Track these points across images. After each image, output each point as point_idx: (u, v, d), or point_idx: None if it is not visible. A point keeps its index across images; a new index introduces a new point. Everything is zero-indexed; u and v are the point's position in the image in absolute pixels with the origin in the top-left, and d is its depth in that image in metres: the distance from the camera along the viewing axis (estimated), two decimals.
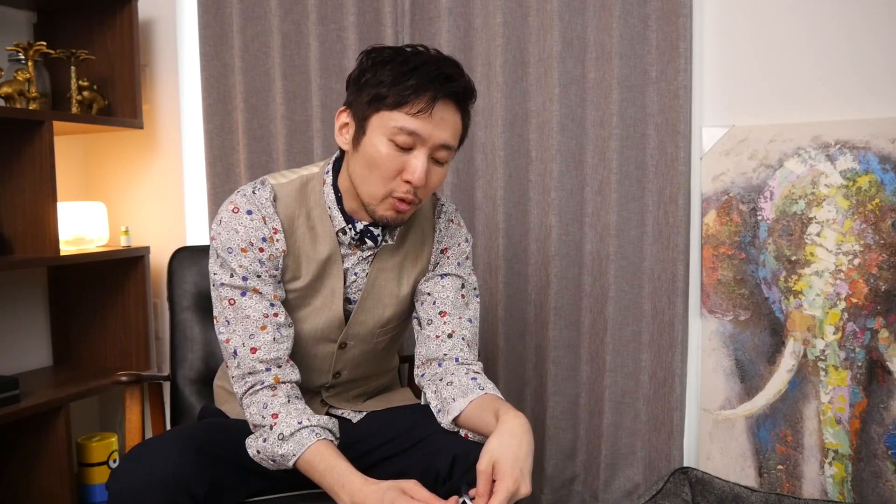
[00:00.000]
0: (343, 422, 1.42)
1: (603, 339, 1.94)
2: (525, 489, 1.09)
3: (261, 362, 1.26)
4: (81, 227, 2.20)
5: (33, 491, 2.03)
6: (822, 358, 1.78)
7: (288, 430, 1.20)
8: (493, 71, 1.95)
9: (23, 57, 2.08)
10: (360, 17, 2.05)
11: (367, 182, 1.24)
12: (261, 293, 1.27)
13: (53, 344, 2.39)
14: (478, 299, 1.43)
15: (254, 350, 1.26)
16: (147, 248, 2.31)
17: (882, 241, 1.71)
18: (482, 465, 1.10)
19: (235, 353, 1.27)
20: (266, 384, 1.25)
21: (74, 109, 2.18)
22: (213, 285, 1.30)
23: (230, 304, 1.27)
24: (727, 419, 1.87)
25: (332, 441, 1.23)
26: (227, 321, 1.27)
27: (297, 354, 1.36)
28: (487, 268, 2.03)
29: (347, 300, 1.36)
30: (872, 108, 1.74)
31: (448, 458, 1.23)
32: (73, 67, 2.19)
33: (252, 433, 1.27)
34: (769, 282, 1.82)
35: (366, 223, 1.31)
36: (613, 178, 1.89)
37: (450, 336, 1.35)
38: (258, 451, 1.23)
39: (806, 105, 1.79)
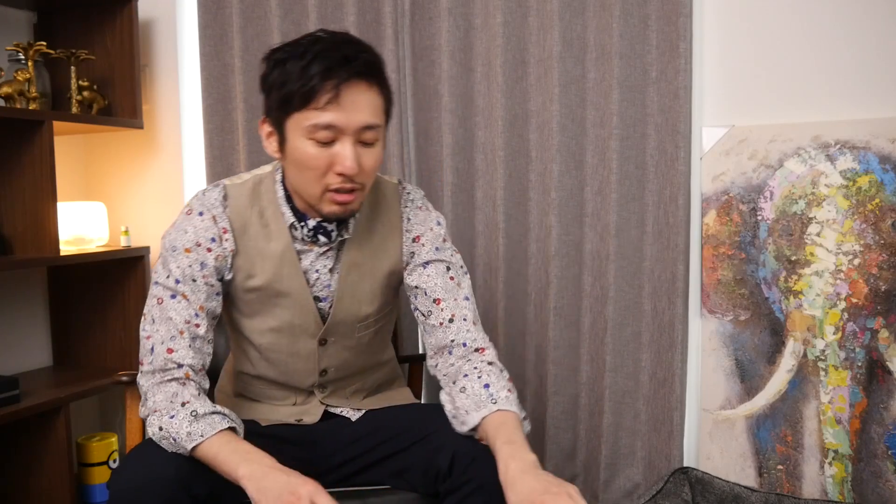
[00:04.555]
0: (341, 420, 1.42)
1: (603, 339, 1.94)
2: (572, 490, 1.06)
3: (174, 362, 1.23)
4: (81, 227, 2.20)
5: (33, 491, 2.03)
6: (822, 358, 1.78)
7: (202, 410, 1.18)
8: (493, 71, 1.95)
9: (23, 57, 2.07)
10: (360, 17, 2.05)
11: (303, 184, 1.25)
12: (188, 300, 1.26)
13: (53, 344, 2.39)
14: (468, 276, 1.40)
15: (170, 350, 1.24)
16: (147, 248, 2.30)
17: (882, 241, 1.71)
18: None
19: (153, 349, 1.24)
20: (176, 377, 1.22)
21: (74, 109, 2.18)
22: (152, 282, 1.29)
23: (158, 302, 1.26)
24: (727, 419, 1.87)
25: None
26: (153, 320, 1.26)
27: (281, 354, 1.36)
28: (487, 268, 2.03)
29: (317, 298, 1.35)
30: (872, 108, 1.74)
31: (448, 455, 1.23)
32: (73, 67, 2.18)
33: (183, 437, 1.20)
34: (769, 282, 1.82)
35: (318, 220, 1.30)
36: (613, 178, 1.89)
37: (451, 321, 1.33)
38: (160, 428, 1.17)
39: (806, 105, 1.79)
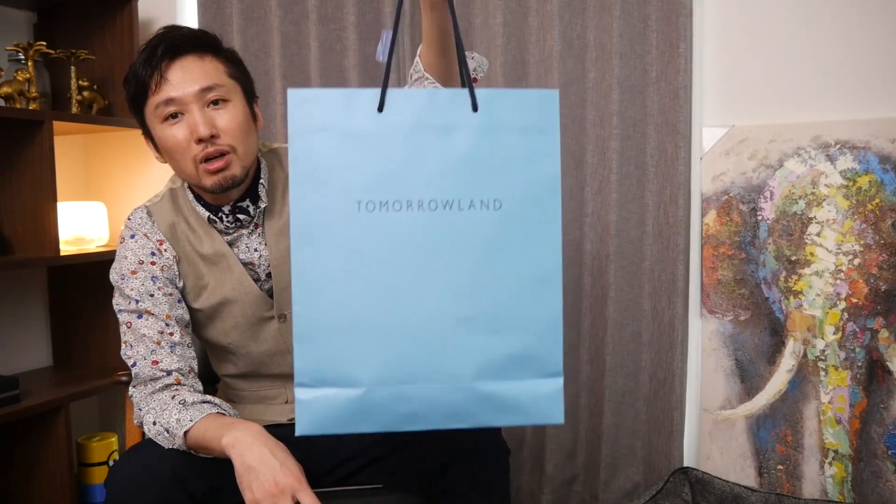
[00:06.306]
0: None
1: (603, 339, 1.94)
2: None
3: (161, 370, 1.25)
4: (81, 227, 2.20)
5: (33, 491, 2.03)
6: (822, 358, 1.78)
7: (190, 399, 1.20)
8: (493, 71, 1.95)
9: (23, 57, 2.07)
10: (360, 17, 2.05)
11: (180, 169, 1.29)
12: (154, 314, 1.28)
13: (53, 344, 2.39)
14: None
15: (155, 362, 1.26)
16: None
17: (882, 241, 1.71)
18: None
19: (137, 366, 1.27)
20: (167, 384, 1.25)
21: (74, 109, 2.18)
22: (117, 313, 1.32)
23: (128, 327, 1.29)
24: (727, 419, 1.87)
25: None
26: (130, 344, 1.29)
27: (249, 346, 1.36)
28: None
29: (259, 278, 1.35)
30: (872, 108, 1.74)
31: (442, 456, 1.22)
32: (73, 67, 2.18)
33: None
34: (769, 282, 1.82)
35: (232, 203, 1.32)
36: (613, 178, 1.89)
37: None
38: (154, 423, 1.20)
39: (806, 105, 1.79)
